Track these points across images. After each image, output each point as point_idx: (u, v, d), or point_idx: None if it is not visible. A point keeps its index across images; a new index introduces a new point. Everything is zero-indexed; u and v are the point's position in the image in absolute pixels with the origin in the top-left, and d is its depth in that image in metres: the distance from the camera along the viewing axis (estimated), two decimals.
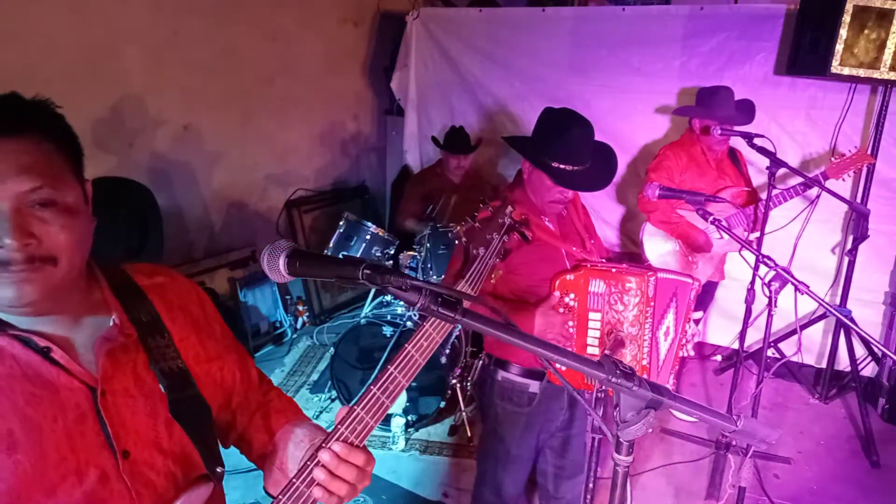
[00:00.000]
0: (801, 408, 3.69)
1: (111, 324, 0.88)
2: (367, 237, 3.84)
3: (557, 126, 1.89)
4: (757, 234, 2.89)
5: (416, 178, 4.41)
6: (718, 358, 4.23)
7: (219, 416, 1.02)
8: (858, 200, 3.47)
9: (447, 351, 3.21)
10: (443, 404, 3.21)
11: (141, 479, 0.86)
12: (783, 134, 3.63)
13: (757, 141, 2.79)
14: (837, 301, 3.59)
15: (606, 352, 0.90)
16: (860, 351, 3.54)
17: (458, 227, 1.28)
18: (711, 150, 3.25)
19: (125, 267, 0.98)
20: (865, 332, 1.83)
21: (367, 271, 0.79)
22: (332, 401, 3.49)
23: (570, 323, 1.80)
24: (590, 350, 1.78)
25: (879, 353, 3.45)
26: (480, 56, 4.42)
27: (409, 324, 3.20)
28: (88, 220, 0.85)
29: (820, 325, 3.67)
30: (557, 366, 0.85)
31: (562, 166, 1.85)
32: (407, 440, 3.22)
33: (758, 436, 0.88)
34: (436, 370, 3.14)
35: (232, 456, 1.01)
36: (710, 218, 2.25)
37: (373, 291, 3.91)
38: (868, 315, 3.60)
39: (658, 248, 3.34)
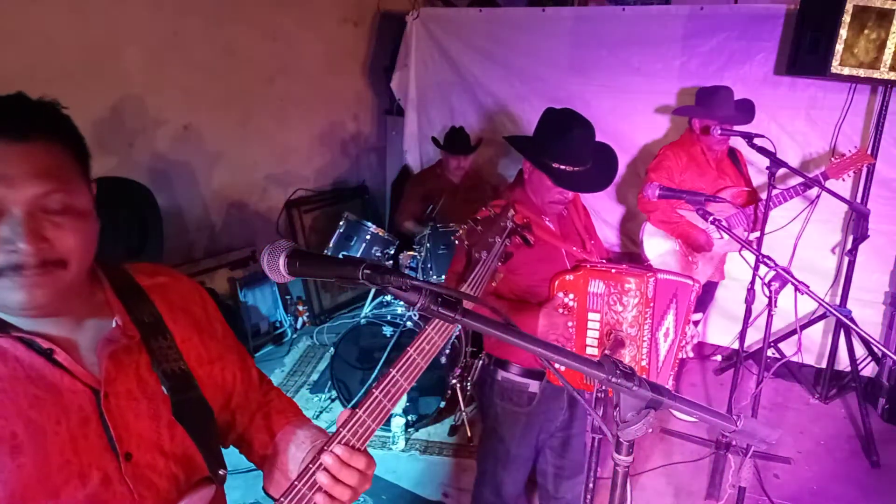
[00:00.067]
0: (801, 408, 3.69)
1: (114, 325, 0.87)
2: (367, 237, 3.84)
3: (558, 126, 1.89)
4: (757, 234, 2.89)
5: (416, 179, 4.41)
6: (718, 358, 4.23)
7: (219, 416, 1.02)
8: (858, 200, 3.47)
9: (447, 351, 3.22)
10: (443, 404, 3.21)
11: (143, 481, 0.86)
12: (783, 134, 3.63)
13: (757, 141, 2.79)
14: (837, 301, 3.59)
15: (606, 352, 0.90)
16: (860, 351, 3.54)
17: (461, 230, 1.28)
18: (711, 150, 3.25)
19: (126, 267, 0.98)
20: (865, 332, 1.83)
21: (367, 271, 0.79)
22: (332, 401, 3.49)
23: (570, 323, 1.80)
24: (589, 350, 1.78)
25: (879, 353, 3.45)
26: (480, 56, 4.42)
27: (408, 324, 3.20)
28: (95, 221, 0.85)
29: (820, 325, 3.67)
30: (557, 366, 0.85)
31: (562, 167, 1.86)
32: (407, 440, 3.22)
33: (758, 436, 0.88)
34: (436, 370, 3.14)
35: (231, 456, 1.01)
36: (710, 218, 2.25)
37: (373, 291, 3.91)
38: (868, 315, 3.60)
39: (658, 247, 3.33)
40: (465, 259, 1.23)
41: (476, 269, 1.18)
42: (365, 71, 5.17)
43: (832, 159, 3.12)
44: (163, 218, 3.14)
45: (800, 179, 3.05)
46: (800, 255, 3.21)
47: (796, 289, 1.91)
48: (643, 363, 1.74)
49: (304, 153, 4.74)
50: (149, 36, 3.38)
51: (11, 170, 0.75)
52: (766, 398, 3.64)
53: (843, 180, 3.11)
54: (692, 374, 4.06)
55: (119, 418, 0.85)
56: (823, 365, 3.76)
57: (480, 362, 2.10)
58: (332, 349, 3.51)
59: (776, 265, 2.03)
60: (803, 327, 3.52)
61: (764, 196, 2.96)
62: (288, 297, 4.42)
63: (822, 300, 1.88)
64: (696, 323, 3.54)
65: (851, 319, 2.34)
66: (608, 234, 4.22)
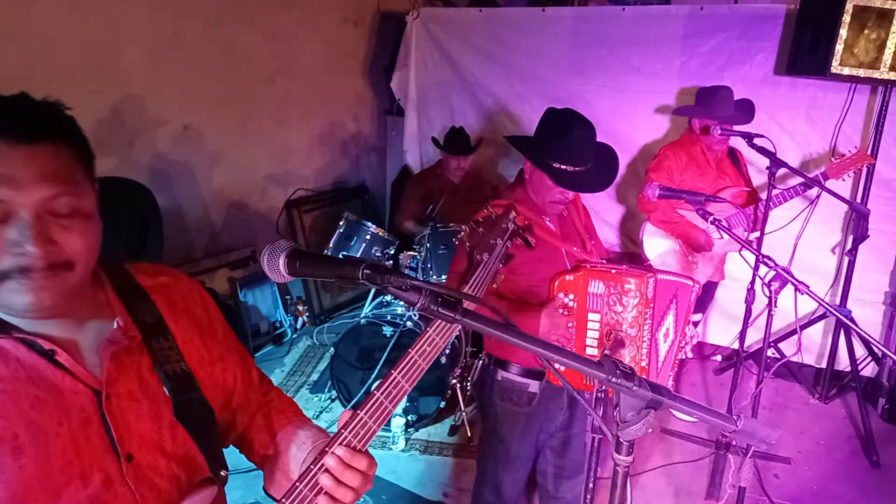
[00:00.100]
0: (801, 408, 3.69)
1: (115, 326, 0.87)
2: (367, 237, 3.84)
3: (559, 127, 1.89)
4: (757, 234, 2.89)
5: (416, 179, 4.41)
6: (718, 358, 4.23)
7: (219, 416, 1.02)
8: (858, 200, 3.47)
9: (447, 351, 3.22)
10: (443, 404, 3.21)
11: (145, 482, 0.86)
12: (783, 134, 3.63)
13: (757, 141, 2.80)
14: (837, 301, 3.59)
15: (606, 352, 0.90)
16: (860, 351, 3.54)
17: (464, 233, 1.28)
18: (711, 150, 3.25)
19: (127, 267, 0.98)
20: (865, 332, 1.83)
21: (367, 271, 0.79)
22: (332, 401, 3.49)
23: (570, 324, 1.80)
24: (589, 351, 1.78)
25: (879, 353, 3.45)
26: (480, 56, 4.42)
27: (408, 324, 3.20)
28: (99, 222, 0.85)
29: (820, 325, 3.67)
30: (557, 366, 0.85)
31: (563, 167, 1.86)
32: (407, 440, 3.22)
33: (758, 436, 0.88)
34: (436, 370, 3.14)
35: (231, 456, 1.01)
36: (710, 218, 2.25)
37: (373, 291, 3.91)
38: (868, 315, 3.60)
39: (658, 247, 3.34)
40: (466, 260, 1.23)
41: (478, 271, 1.18)
42: (365, 71, 5.17)
43: (832, 159, 3.12)
44: (163, 218, 3.13)
45: (800, 179, 3.05)
46: (800, 255, 3.21)
47: (796, 289, 1.91)
48: (643, 364, 1.74)
49: (304, 153, 4.74)
50: (149, 36, 3.38)
51: (19, 172, 0.75)
52: (766, 398, 3.65)
53: (843, 180, 3.11)
54: (692, 374, 4.06)
55: (120, 419, 0.85)
56: (823, 365, 3.76)
57: (480, 362, 2.10)
58: (332, 349, 3.51)
59: (776, 265, 2.03)
60: (803, 327, 3.53)
61: (764, 196, 2.96)
62: (288, 297, 4.42)
63: (822, 300, 1.88)
64: (695, 323, 3.54)
65: (851, 319, 2.34)
66: (608, 234, 4.22)
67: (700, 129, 3.22)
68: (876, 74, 3.13)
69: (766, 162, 2.76)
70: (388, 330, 3.21)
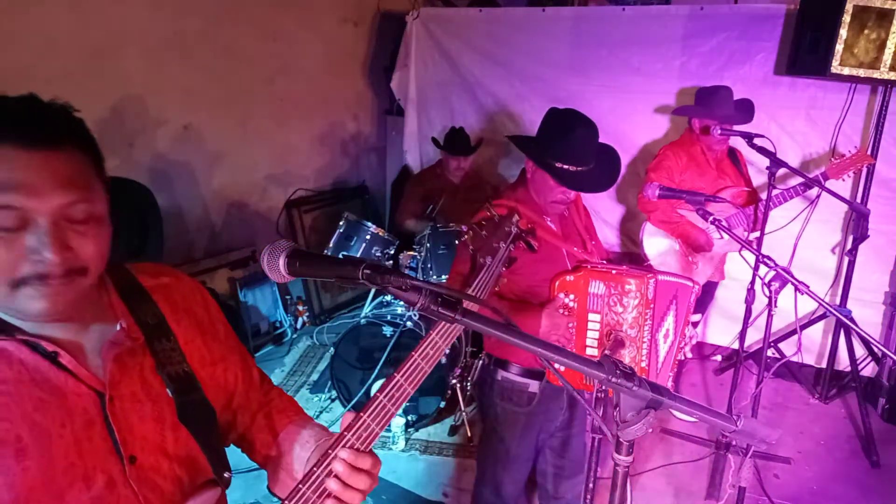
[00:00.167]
0: (801, 408, 3.69)
1: (118, 328, 0.87)
2: (367, 237, 3.84)
3: (562, 126, 1.89)
4: (757, 234, 2.89)
5: (416, 179, 4.41)
6: (718, 358, 4.23)
7: (220, 416, 1.02)
8: (858, 200, 3.47)
9: (447, 351, 3.21)
10: (443, 404, 3.21)
11: (148, 484, 0.86)
12: (783, 134, 3.63)
13: (757, 141, 2.79)
14: (837, 301, 3.59)
15: (606, 352, 0.90)
16: (860, 351, 3.54)
17: (467, 235, 1.29)
18: (711, 150, 3.25)
19: (129, 267, 0.98)
20: (865, 332, 1.83)
21: (367, 271, 0.79)
22: (332, 401, 3.49)
23: (570, 324, 1.80)
24: (589, 351, 1.78)
25: (879, 353, 3.45)
26: (480, 56, 4.42)
27: (408, 324, 3.20)
28: (110, 226, 0.85)
29: (820, 325, 3.67)
30: (557, 366, 0.85)
31: (565, 167, 1.86)
32: (407, 440, 3.22)
33: (758, 436, 0.88)
34: (436, 370, 3.12)
35: (231, 456, 1.01)
36: (710, 218, 2.25)
37: (373, 291, 3.91)
38: (868, 315, 3.60)
39: (658, 247, 3.33)
40: (468, 261, 1.23)
41: (481, 275, 1.19)
42: (365, 71, 5.17)
43: (832, 159, 3.12)
44: (163, 218, 3.13)
45: (800, 179, 3.05)
46: (800, 255, 3.21)
47: (796, 289, 1.91)
48: (643, 364, 1.74)
49: (304, 153, 4.74)
50: (149, 36, 3.38)
51: (37, 179, 0.75)
52: (766, 398, 3.64)
53: (843, 180, 3.11)
54: (692, 374, 4.06)
55: (123, 421, 0.85)
56: (823, 365, 3.76)
57: (480, 362, 2.10)
58: (332, 349, 3.51)
59: (776, 265, 2.03)
60: (803, 327, 3.53)
61: (764, 196, 2.96)
62: (288, 297, 4.42)
63: (822, 300, 1.88)
64: (695, 324, 3.54)
65: (851, 319, 2.34)
66: (608, 235, 4.22)
67: (700, 129, 3.22)
68: (876, 74, 3.13)
69: (766, 162, 2.76)
70: (388, 330, 3.21)
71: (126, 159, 3.36)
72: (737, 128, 3.00)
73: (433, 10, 4.76)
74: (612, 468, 0.91)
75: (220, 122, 3.94)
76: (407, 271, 3.40)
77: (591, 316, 1.77)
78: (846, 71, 3.13)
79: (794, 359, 2.62)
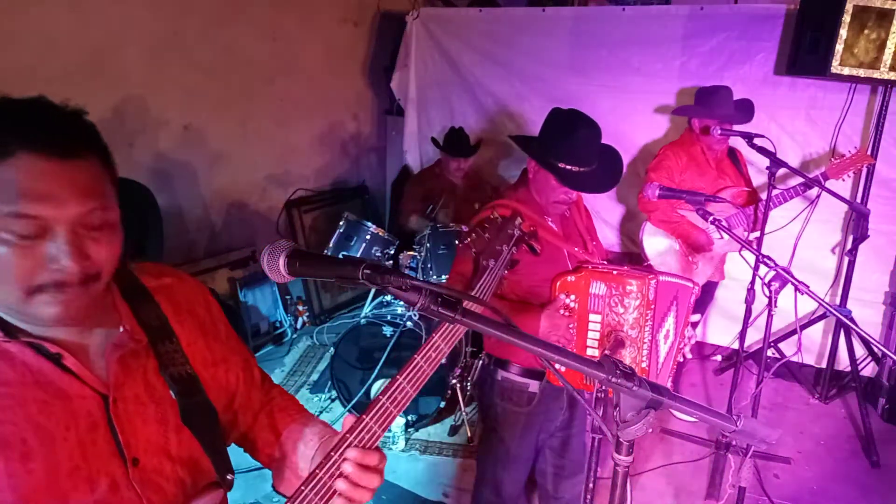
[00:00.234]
0: (801, 408, 3.69)
1: (121, 330, 0.87)
2: (367, 237, 3.84)
3: (564, 127, 1.89)
4: (757, 234, 2.89)
5: (416, 178, 4.41)
6: (718, 358, 4.23)
7: (221, 416, 1.02)
8: (858, 200, 3.47)
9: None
10: (443, 404, 3.21)
11: (151, 486, 0.86)
12: (783, 134, 3.63)
13: (757, 141, 2.80)
14: (837, 301, 3.59)
15: (606, 352, 0.90)
16: (860, 351, 3.54)
17: (470, 238, 1.29)
18: (711, 150, 3.25)
19: (131, 268, 0.98)
20: (865, 332, 1.83)
21: (367, 271, 0.79)
22: (332, 401, 3.49)
23: (571, 325, 1.80)
24: (589, 352, 1.78)
25: (879, 353, 3.45)
26: (480, 56, 4.42)
27: (408, 324, 3.20)
28: (122, 230, 0.85)
29: (820, 325, 3.67)
30: (557, 366, 0.85)
31: (568, 167, 1.86)
32: (407, 440, 3.22)
33: (758, 436, 0.88)
34: (436, 370, 3.14)
35: (232, 456, 1.01)
36: (710, 218, 2.25)
37: (373, 291, 3.91)
38: (868, 315, 3.60)
39: (658, 247, 3.33)
40: (468, 262, 1.24)
41: (483, 278, 1.20)
42: (365, 71, 5.17)
43: (832, 159, 3.12)
44: (163, 218, 3.13)
45: (800, 179, 3.05)
46: (800, 255, 3.20)
47: (796, 289, 1.91)
48: (643, 365, 1.74)
49: (304, 153, 4.74)
50: (149, 36, 3.38)
51: (58, 189, 0.75)
52: (766, 398, 3.64)
53: (843, 180, 3.11)
54: (692, 374, 4.06)
55: (127, 423, 0.85)
56: (823, 365, 3.76)
57: (480, 362, 2.10)
58: (332, 349, 3.51)
59: (776, 265, 2.03)
60: (803, 327, 3.53)
61: (764, 196, 2.96)
62: (288, 297, 4.42)
63: (822, 300, 1.88)
64: (694, 324, 3.54)
65: (851, 319, 2.34)
66: (608, 235, 4.22)
67: (700, 129, 3.22)
68: (876, 74, 3.13)
69: (766, 162, 2.76)
70: (388, 330, 3.21)
71: (126, 159, 3.35)
72: (737, 128, 3.00)
73: (433, 10, 4.76)
74: (612, 468, 0.92)
75: (220, 122, 3.94)
76: (407, 271, 3.41)
77: (592, 316, 1.77)
78: (846, 71, 3.13)
79: (794, 359, 2.62)
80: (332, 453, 0.89)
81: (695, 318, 3.50)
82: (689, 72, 3.82)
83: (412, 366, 0.96)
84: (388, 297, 3.54)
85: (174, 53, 3.53)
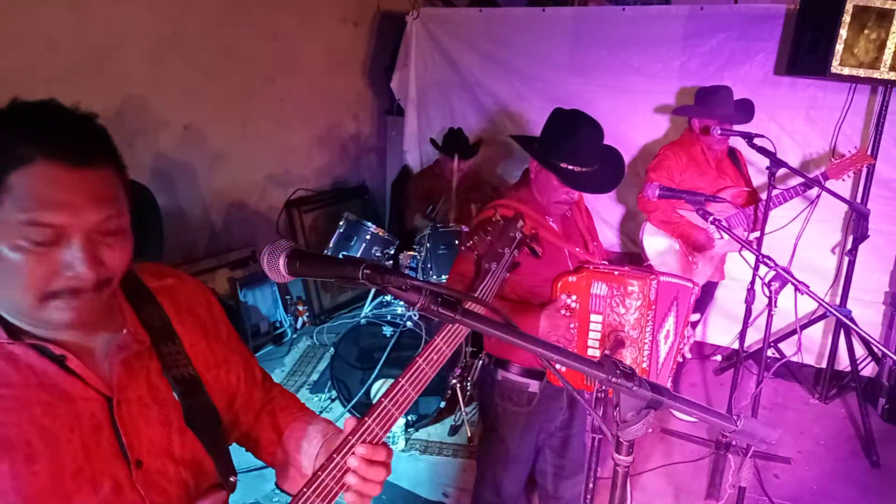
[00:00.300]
0: (801, 408, 3.69)
1: (124, 332, 0.87)
2: (367, 237, 3.84)
3: (567, 127, 1.89)
4: (757, 234, 2.89)
5: (416, 178, 4.42)
6: (718, 358, 4.23)
7: (223, 417, 1.02)
8: (858, 200, 3.47)
9: None
10: (443, 404, 3.21)
11: (154, 487, 0.86)
12: (783, 134, 3.63)
13: (757, 141, 2.80)
14: (837, 301, 3.59)
15: (606, 352, 0.90)
16: (860, 351, 3.54)
17: (472, 241, 1.30)
18: (711, 150, 3.25)
19: (132, 268, 0.98)
20: (865, 332, 1.84)
21: (367, 271, 0.79)
22: (332, 401, 3.49)
23: (572, 325, 1.80)
24: (590, 352, 1.78)
25: (879, 353, 3.45)
26: (480, 56, 4.42)
27: (408, 324, 3.20)
28: (132, 235, 0.85)
29: (820, 325, 3.67)
30: (557, 366, 0.85)
31: (570, 167, 1.86)
32: (407, 440, 3.22)
33: (758, 436, 0.88)
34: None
35: (232, 455, 1.01)
36: (710, 218, 2.25)
37: (373, 291, 3.91)
38: (868, 315, 3.60)
39: (658, 247, 3.34)
40: (468, 263, 1.25)
41: (485, 280, 1.21)
42: (365, 71, 5.17)
43: (832, 159, 3.12)
44: (163, 218, 3.14)
45: (800, 179, 3.05)
46: (800, 255, 3.21)
47: (796, 289, 1.91)
48: (644, 365, 1.74)
49: (304, 153, 4.74)
50: (149, 36, 3.38)
51: (75, 197, 0.75)
52: (766, 398, 3.64)
53: (843, 180, 3.11)
54: (692, 374, 4.06)
55: (130, 425, 0.85)
56: (823, 365, 3.76)
57: (480, 362, 2.10)
58: (332, 349, 3.51)
59: (776, 265, 2.03)
60: (803, 327, 3.52)
61: (764, 196, 2.96)
62: (288, 297, 4.42)
63: (822, 300, 1.88)
64: (694, 324, 3.54)
65: (851, 319, 2.34)
66: (608, 235, 4.22)
67: (700, 129, 3.22)
68: (876, 74, 3.13)
69: (766, 162, 2.76)
70: (388, 330, 3.20)
71: (126, 159, 3.26)
72: (737, 128, 3.00)
73: (433, 10, 4.76)
74: (612, 468, 0.92)
75: (221, 122, 3.94)
76: (407, 271, 3.41)
77: (593, 317, 1.77)
78: (846, 71, 3.13)
79: (794, 359, 2.62)
80: (335, 455, 0.90)
81: (695, 317, 3.50)
82: (689, 72, 3.82)
83: (414, 368, 0.96)
84: (388, 297, 3.54)
85: (174, 53, 3.53)
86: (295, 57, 4.41)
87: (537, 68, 4.23)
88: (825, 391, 3.72)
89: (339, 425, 1.03)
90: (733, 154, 3.36)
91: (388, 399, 0.93)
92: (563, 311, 1.79)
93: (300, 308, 4.48)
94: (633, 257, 3.98)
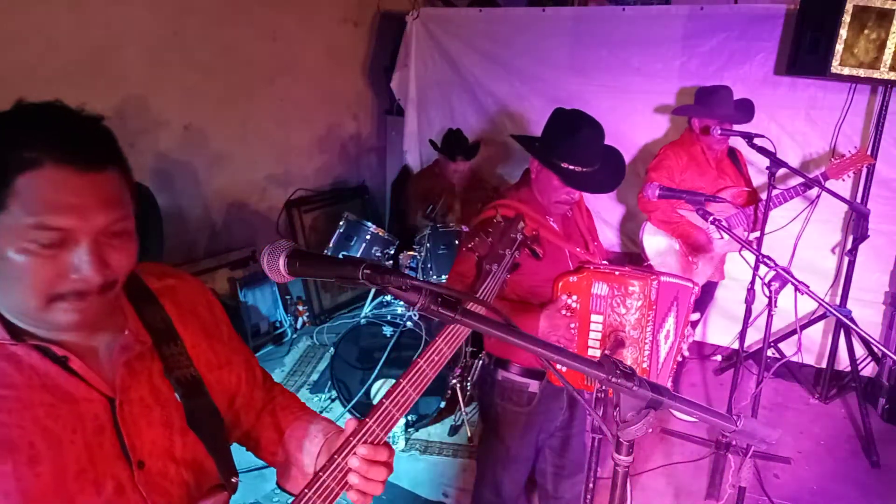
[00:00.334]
0: (801, 408, 3.69)
1: (126, 333, 0.87)
2: (367, 237, 3.84)
3: (568, 127, 1.90)
4: (757, 234, 2.89)
5: (416, 178, 4.42)
6: (718, 358, 4.23)
7: (224, 417, 1.02)
8: (858, 200, 3.47)
9: None
10: (443, 404, 3.21)
11: (156, 489, 0.86)
12: (783, 134, 3.63)
13: (757, 141, 2.80)
14: (837, 301, 3.59)
15: (606, 352, 0.90)
16: (860, 351, 3.54)
17: (473, 242, 1.30)
18: (711, 150, 3.25)
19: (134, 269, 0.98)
20: (865, 332, 1.84)
21: (367, 271, 0.79)
22: (332, 401, 3.49)
23: (573, 325, 1.80)
24: (591, 352, 1.78)
25: (879, 353, 3.45)
26: (480, 56, 4.42)
27: (408, 324, 3.20)
28: (137, 237, 0.85)
29: (820, 325, 3.67)
30: (557, 366, 0.85)
31: (571, 167, 1.86)
32: (407, 440, 3.22)
33: (758, 436, 0.88)
34: None
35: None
36: (710, 218, 2.25)
37: (373, 291, 3.91)
38: (868, 315, 3.60)
39: (658, 247, 3.33)
40: (469, 263, 1.25)
41: (486, 282, 1.22)
42: (365, 71, 5.17)
43: (832, 160, 3.12)
44: (163, 218, 3.14)
45: (800, 179, 3.05)
46: (800, 255, 3.21)
47: (796, 289, 1.91)
48: (644, 365, 1.74)
49: (304, 153, 4.74)
50: (149, 36, 3.38)
51: (83, 201, 0.75)
52: (766, 398, 3.64)
53: (844, 180, 3.11)
54: (692, 374, 4.06)
55: (132, 426, 0.85)
56: (823, 365, 3.76)
57: (480, 362, 2.10)
58: (332, 349, 3.51)
59: (776, 265, 2.03)
60: (803, 327, 3.52)
61: (764, 196, 2.96)
62: (288, 297, 4.42)
63: (822, 300, 1.88)
64: (693, 323, 3.54)
65: (851, 319, 2.34)
66: (608, 235, 4.22)
67: (700, 129, 3.22)
68: (876, 74, 3.13)
69: (766, 162, 2.76)
70: (388, 330, 3.20)
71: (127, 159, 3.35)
72: (737, 128, 3.00)
73: (433, 10, 4.76)
74: (612, 468, 0.92)
75: (221, 122, 3.94)
76: (407, 271, 3.41)
77: (594, 317, 1.77)
78: (846, 71, 3.13)
79: (794, 359, 2.62)
80: (336, 456, 0.90)
81: (694, 316, 3.51)
82: (689, 72, 3.82)
83: (415, 370, 0.96)
84: (388, 297, 3.53)
85: (174, 53, 3.53)
86: (295, 57, 4.41)
87: (537, 68, 4.23)
88: (825, 391, 3.72)
89: (339, 425, 1.03)
90: (733, 154, 3.36)
91: (389, 400, 0.93)
92: (563, 311, 1.79)
93: (300, 308, 4.48)
94: (633, 257, 3.98)
